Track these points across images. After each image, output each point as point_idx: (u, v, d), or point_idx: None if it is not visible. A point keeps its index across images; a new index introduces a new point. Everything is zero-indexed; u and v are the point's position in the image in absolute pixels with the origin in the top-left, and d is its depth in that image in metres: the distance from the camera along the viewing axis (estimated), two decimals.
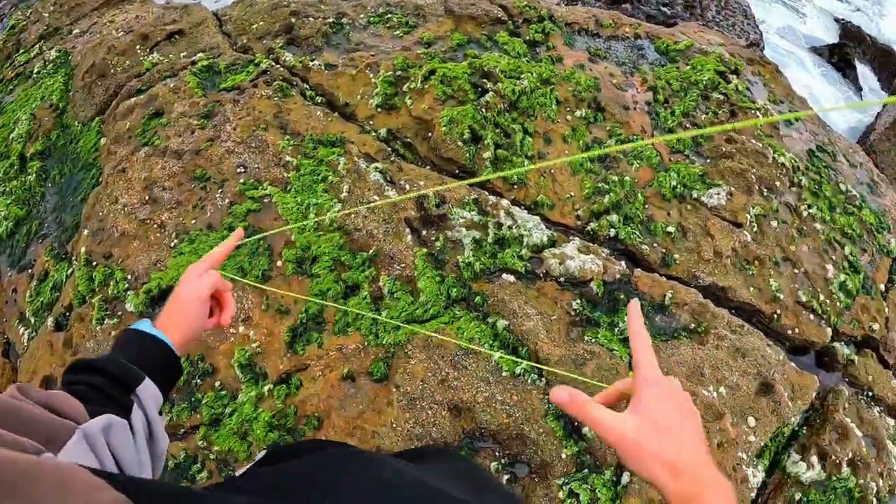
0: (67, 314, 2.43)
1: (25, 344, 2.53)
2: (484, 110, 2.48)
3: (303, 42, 2.85)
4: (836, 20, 10.72)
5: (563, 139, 2.55)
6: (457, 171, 2.43)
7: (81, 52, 3.52)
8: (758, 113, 2.96)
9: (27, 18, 4.51)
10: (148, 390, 0.88)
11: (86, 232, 2.53)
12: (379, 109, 2.56)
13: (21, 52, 4.12)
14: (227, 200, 2.37)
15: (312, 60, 2.74)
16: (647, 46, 3.22)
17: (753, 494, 1.99)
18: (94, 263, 2.43)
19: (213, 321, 1.14)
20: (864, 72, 9.34)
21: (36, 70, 3.72)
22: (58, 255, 2.68)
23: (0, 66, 4.12)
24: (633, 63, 3.06)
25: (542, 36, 2.96)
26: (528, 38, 2.94)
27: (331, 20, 2.92)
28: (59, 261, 2.65)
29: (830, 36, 10.06)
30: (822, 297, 2.45)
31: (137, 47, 3.17)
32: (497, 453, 1.94)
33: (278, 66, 2.77)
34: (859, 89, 8.87)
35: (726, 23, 6.20)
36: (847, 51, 9.14)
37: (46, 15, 4.42)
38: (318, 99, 2.66)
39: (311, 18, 2.92)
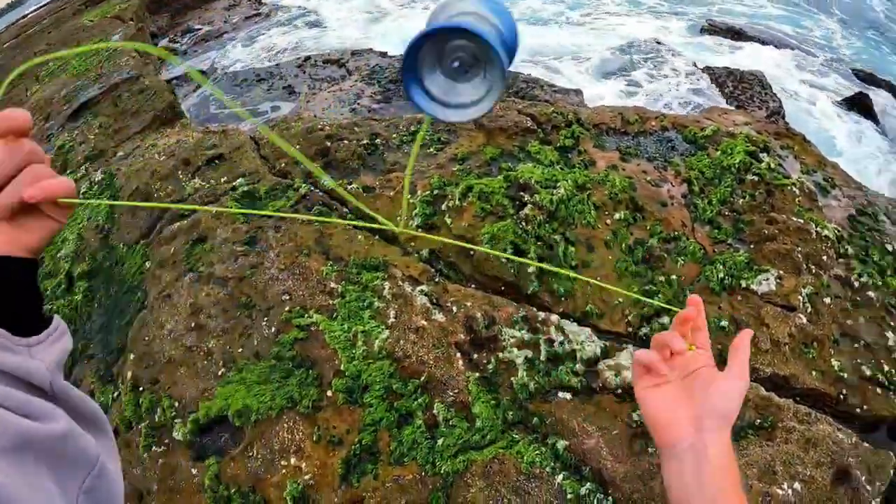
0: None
1: None
2: (524, 223, 2.49)
3: (339, 165, 2.92)
4: (852, 70, 10.87)
5: (605, 245, 2.54)
6: (502, 288, 2.42)
7: (126, 175, 3.64)
8: (793, 188, 2.93)
9: (73, 139, 4.72)
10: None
11: (132, 356, 2.54)
12: (419, 230, 2.58)
13: (68, 172, 4.28)
14: (273, 329, 2.38)
15: (350, 183, 2.80)
16: (675, 137, 3.24)
17: None
18: (141, 389, 2.42)
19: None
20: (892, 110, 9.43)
21: (83, 191, 3.84)
22: (104, 378, 2.67)
23: None
24: (663, 156, 3.07)
25: (572, 141, 3.00)
26: (558, 144, 2.98)
27: (365, 142, 3.00)
28: (105, 383, 2.64)
29: (845, 86, 10.17)
30: (886, 368, 2.36)
31: (179, 172, 3.27)
32: None
33: (317, 190, 2.83)
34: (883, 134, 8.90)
35: (744, 96, 6.29)
36: (866, 100, 9.21)
37: (92, 137, 4.62)
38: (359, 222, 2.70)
39: (345, 141, 3.00)
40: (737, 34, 10.98)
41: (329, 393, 2.18)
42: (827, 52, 11.79)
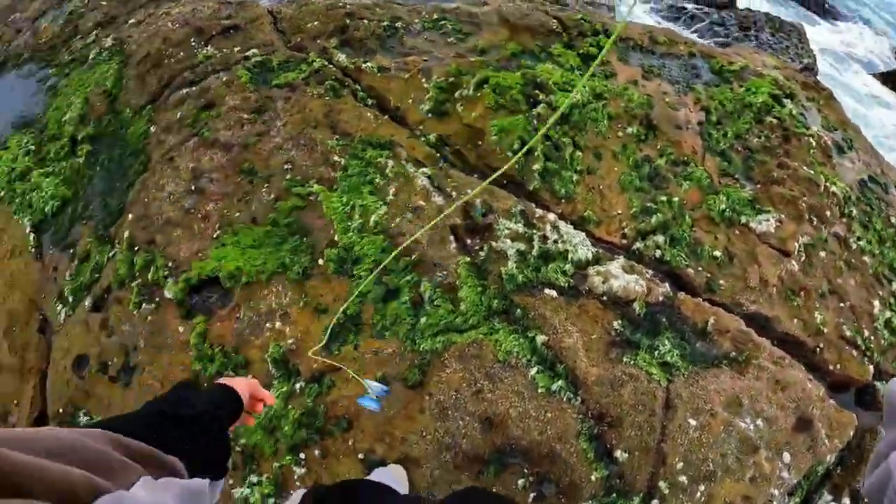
0: (106, 296, 2.45)
1: (62, 322, 2.56)
2: (535, 122, 2.45)
3: (356, 44, 2.85)
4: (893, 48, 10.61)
5: (613, 155, 2.51)
6: (505, 182, 2.41)
7: (137, 42, 3.57)
8: (811, 139, 2.88)
9: (85, 6, 4.61)
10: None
11: (130, 217, 2.56)
12: (430, 115, 2.55)
13: (78, 37, 4.20)
14: (272, 195, 2.38)
15: (365, 62, 2.74)
16: (701, 66, 3.16)
17: None
18: (137, 248, 2.45)
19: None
20: None
21: (91, 56, 3.78)
22: (101, 238, 2.70)
23: (57, 50, 4.21)
24: (686, 82, 3.00)
25: (596, 50, 2.92)
26: (582, 51, 2.91)
27: (385, 23, 2.92)
28: (102, 243, 2.67)
29: (885, 61, 9.92)
30: (866, 333, 2.40)
31: (192, 40, 3.20)
32: (525, 470, 1.92)
33: (331, 66, 2.77)
34: None
35: (780, 45, 6.09)
36: None
37: (104, 3, 4.51)
38: (370, 101, 2.65)
39: (365, 21, 2.92)
40: None
41: (320, 262, 2.20)
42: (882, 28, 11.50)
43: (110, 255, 2.57)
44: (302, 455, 1.99)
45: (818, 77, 6.41)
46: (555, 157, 2.43)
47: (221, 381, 1.03)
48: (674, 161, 2.59)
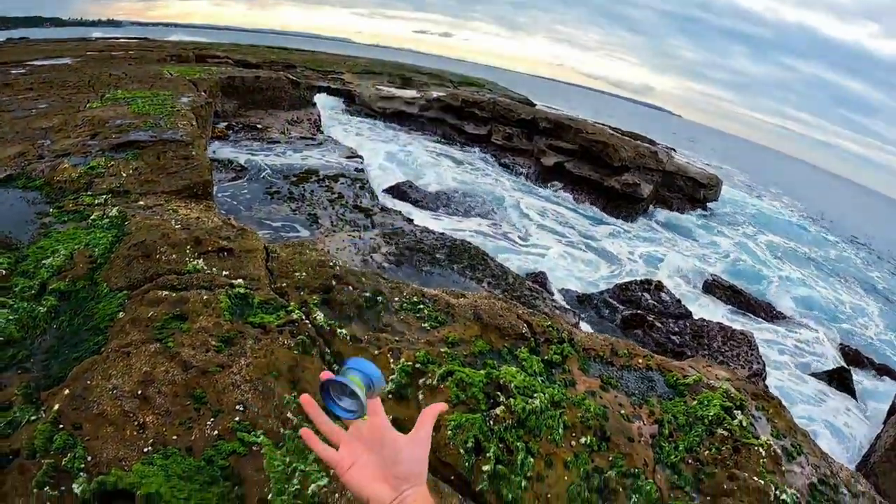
0: (10, 458, 2.24)
1: None
2: (492, 422, 2.51)
3: (337, 306, 2.98)
4: (841, 345, 11.30)
5: (564, 464, 2.55)
6: (451, 477, 2.40)
7: (138, 225, 3.68)
8: (760, 448, 2.96)
9: (107, 168, 4.83)
10: None
11: (67, 392, 2.45)
12: (390, 396, 2.61)
13: (89, 193, 4.34)
14: (216, 431, 2.33)
15: (341, 328, 2.86)
16: (657, 379, 3.32)
17: None
18: (61, 426, 2.31)
19: None
20: (871, 386, 9.73)
21: (93, 217, 3.87)
22: (29, 396, 2.53)
23: (65, 194, 4.30)
24: (642, 394, 3.14)
25: (559, 358, 3.08)
26: (546, 357, 3.07)
27: (367, 294, 3.09)
28: (28, 402, 2.50)
29: (831, 357, 10.56)
30: None
31: (188, 247, 3.32)
32: None
33: (307, 321, 2.87)
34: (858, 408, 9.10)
35: (731, 353, 6.49)
36: (845, 375, 9.52)
37: (125, 174, 4.76)
38: (335, 367, 2.71)
39: (350, 287, 3.08)
40: (737, 294, 11.48)
41: None
42: (831, 325, 12.50)
43: (32, 417, 2.39)
44: None
45: (767, 380, 6.74)
46: (506, 460, 2.44)
47: None
48: (624, 473, 2.63)
